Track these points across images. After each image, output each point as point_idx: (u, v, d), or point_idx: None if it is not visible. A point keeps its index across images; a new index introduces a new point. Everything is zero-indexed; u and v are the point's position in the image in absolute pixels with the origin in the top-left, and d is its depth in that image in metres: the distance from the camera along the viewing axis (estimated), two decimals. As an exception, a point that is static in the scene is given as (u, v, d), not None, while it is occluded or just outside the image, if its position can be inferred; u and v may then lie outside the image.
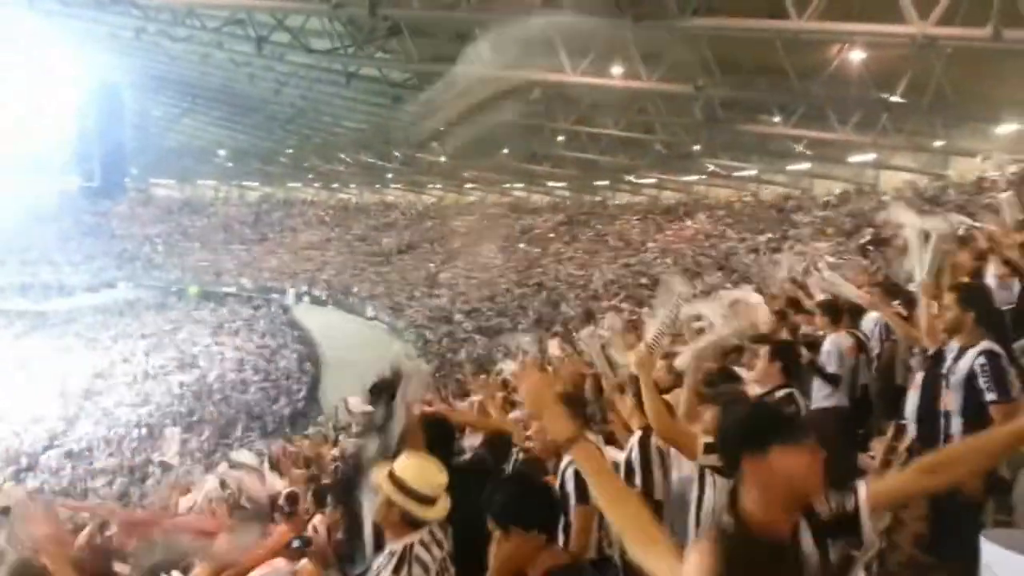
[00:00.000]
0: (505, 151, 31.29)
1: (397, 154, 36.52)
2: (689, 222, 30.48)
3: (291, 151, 41.14)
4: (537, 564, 2.34)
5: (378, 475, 2.94)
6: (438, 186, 42.28)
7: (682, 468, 3.87)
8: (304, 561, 3.46)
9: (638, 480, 4.00)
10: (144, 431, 26.24)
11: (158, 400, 29.78)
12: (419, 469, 2.91)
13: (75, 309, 41.65)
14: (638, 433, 4.08)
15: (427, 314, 32.03)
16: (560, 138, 28.29)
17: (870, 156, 22.77)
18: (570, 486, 3.51)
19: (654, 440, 3.94)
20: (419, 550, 2.76)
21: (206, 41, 25.52)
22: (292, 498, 5.80)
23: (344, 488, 3.74)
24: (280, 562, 3.59)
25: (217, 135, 40.97)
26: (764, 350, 4.45)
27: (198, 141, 42.39)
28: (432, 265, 36.61)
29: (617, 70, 18.68)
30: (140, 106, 38.32)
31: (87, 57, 36.81)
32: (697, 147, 25.44)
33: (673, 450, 3.79)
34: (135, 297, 42.43)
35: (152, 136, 41.29)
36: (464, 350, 27.32)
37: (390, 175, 41.71)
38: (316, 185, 46.92)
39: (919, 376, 4.06)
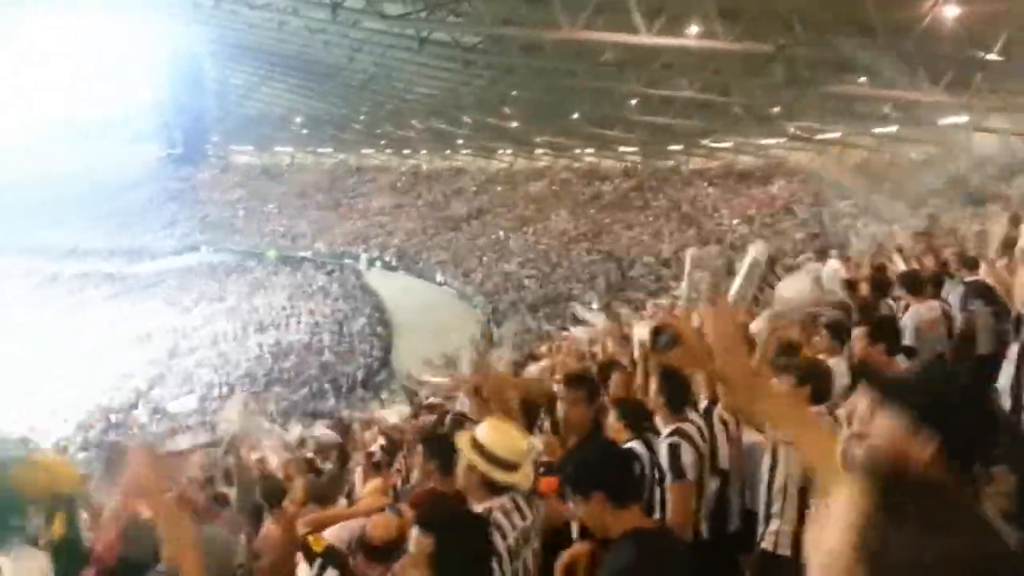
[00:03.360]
0: (576, 115, 30.87)
1: (467, 119, 36.47)
2: (767, 187, 29.60)
3: (364, 118, 41.56)
4: (618, 526, 2.35)
5: (461, 440, 2.97)
6: (508, 151, 42.14)
7: (750, 434, 3.80)
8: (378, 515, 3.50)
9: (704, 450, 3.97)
10: (225, 390, 27.26)
11: (237, 361, 30.87)
12: (501, 435, 2.93)
13: (160, 272, 43.39)
14: (703, 404, 4.07)
15: (496, 280, 32.14)
16: (633, 101, 27.68)
17: (963, 118, 21.54)
18: (665, 463, 3.47)
19: (717, 411, 3.97)
20: (498, 516, 2.78)
21: (282, 8, 25.85)
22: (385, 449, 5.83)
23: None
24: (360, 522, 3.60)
25: (293, 102, 41.70)
26: (861, 329, 4.29)
27: (276, 108, 43.23)
28: (501, 231, 36.62)
29: (693, 30, 18.10)
30: (220, 74, 39.23)
31: (169, 27, 37.76)
32: (777, 109, 24.54)
33: None
34: (216, 261, 43.88)
35: (232, 104, 42.26)
36: (533, 316, 27.35)
37: (460, 141, 41.76)
38: (388, 151, 47.36)
39: (1015, 347, 3.83)
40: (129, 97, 47.38)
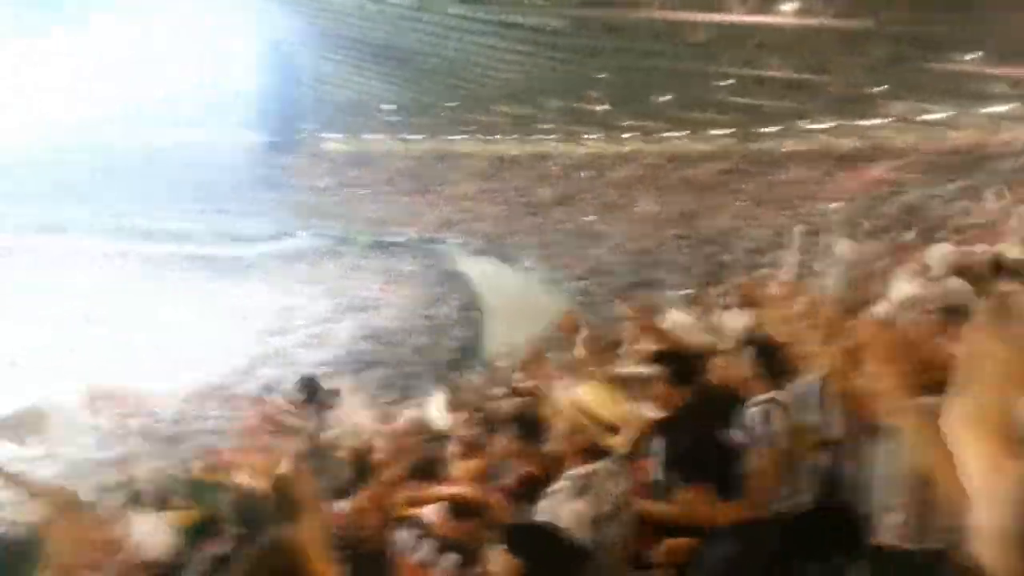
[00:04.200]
0: (665, 98, 30.35)
1: (553, 104, 36.34)
2: (868, 171, 28.41)
3: (449, 104, 41.97)
4: (720, 516, 2.37)
5: (565, 401, 3.02)
6: (594, 136, 41.80)
7: (866, 417, 3.70)
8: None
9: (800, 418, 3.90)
10: (320, 371, 28.18)
11: (332, 342, 31.87)
12: (602, 397, 2.97)
13: (258, 256, 45.09)
14: (820, 373, 3.92)
15: (582, 265, 32.02)
16: (723, 83, 26.99)
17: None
18: (757, 429, 3.42)
19: (832, 386, 3.74)
20: (599, 480, 2.81)
21: (371, -4, 26.39)
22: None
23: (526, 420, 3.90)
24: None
25: (382, 90, 42.48)
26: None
27: (364, 96, 44.15)
28: (587, 217, 36.41)
29: (788, 6, 17.53)
30: (311, 63, 40.34)
31: (264, 16, 39.04)
32: (878, 89, 23.50)
33: None
34: (310, 246, 45.28)
35: (322, 92, 43.41)
36: (619, 303, 27.12)
37: (546, 126, 41.65)
38: (475, 138, 47.70)
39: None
40: (226, 84, 49.21)
